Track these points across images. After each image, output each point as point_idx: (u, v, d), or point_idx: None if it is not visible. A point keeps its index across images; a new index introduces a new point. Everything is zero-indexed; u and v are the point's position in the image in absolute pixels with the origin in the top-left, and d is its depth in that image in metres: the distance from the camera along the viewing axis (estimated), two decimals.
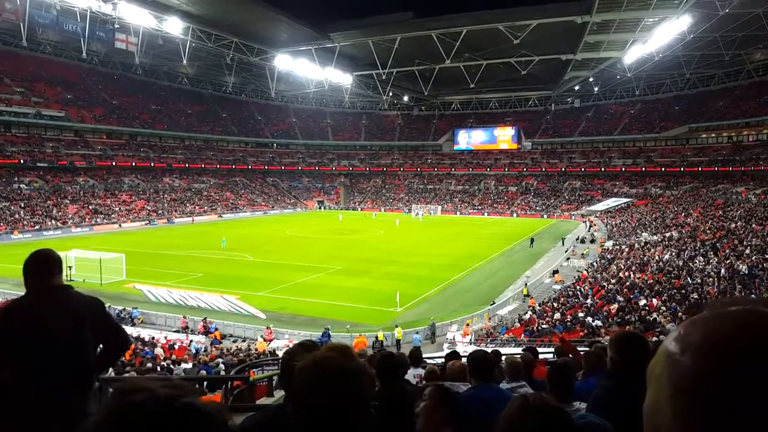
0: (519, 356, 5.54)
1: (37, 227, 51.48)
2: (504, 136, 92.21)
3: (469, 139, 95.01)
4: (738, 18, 44.25)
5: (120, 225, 58.23)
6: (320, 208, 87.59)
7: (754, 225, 34.35)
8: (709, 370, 0.59)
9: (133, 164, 72.80)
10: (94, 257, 31.98)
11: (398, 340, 21.04)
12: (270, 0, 53.25)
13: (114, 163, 70.39)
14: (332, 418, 1.24)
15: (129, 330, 22.34)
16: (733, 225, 36.11)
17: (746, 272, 22.67)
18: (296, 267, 35.18)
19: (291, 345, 2.88)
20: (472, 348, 17.05)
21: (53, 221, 53.85)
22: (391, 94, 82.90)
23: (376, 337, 21.04)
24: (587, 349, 6.32)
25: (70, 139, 68.76)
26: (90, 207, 60.02)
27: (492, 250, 43.63)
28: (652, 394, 0.67)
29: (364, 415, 1.27)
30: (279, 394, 8.08)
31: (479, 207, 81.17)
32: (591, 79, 74.20)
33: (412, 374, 6.20)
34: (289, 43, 61.64)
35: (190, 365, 15.15)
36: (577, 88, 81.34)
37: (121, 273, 31.73)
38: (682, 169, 71.98)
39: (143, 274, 32.60)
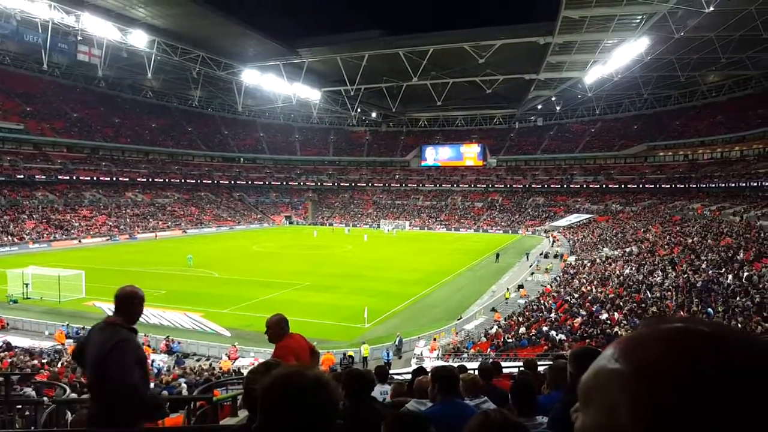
0: (474, 370, 5.59)
1: None
2: (470, 153, 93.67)
3: (436, 155, 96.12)
4: (692, 41, 46.19)
5: (80, 241, 56.51)
6: (288, 223, 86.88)
7: (709, 240, 35.59)
8: (638, 386, 0.59)
9: (95, 178, 70.97)
10: (53, 274, 30.97)
11: (365, 357, 20.92)
12: (238, 15, 53.19)
13: (75, 177, 68.44)
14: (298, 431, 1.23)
15: None
16: (690, 240, 37.32)
17: (701, 286, 23.41)
18: (263, 283, 34.76)
19: (256, 363, 2.88)
20: (439, 363, 17.11)
21: (9, 237, 51.96)
22: (359, 110, 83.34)
23: (344, 354, 20.90)
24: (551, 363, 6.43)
25: (29, 152, 66.69)
26: (49, 222, 58.19)
27: (459, 265, 43.99)
28: (597, 415, 0.65)
29: (331, 428, 1.28)
30: (243, 414, 7.96)
31: (446, 222, 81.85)
32: (553, 99, 76.13)
33: (379, 391, 6.20)
34: (256, 57, 61.49)
35: (152, 385, 14.74)
36: (540, 107, 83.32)
37: (81, 290, 30.77)
38: (640, 186, 74.14)
39: (104, 291, 31.60)
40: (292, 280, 36.11)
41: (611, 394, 0.62)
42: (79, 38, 49.13)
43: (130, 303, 3.39)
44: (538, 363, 9.02)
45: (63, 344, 22.33)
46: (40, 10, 43.17)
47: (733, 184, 58.61)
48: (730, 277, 24.29)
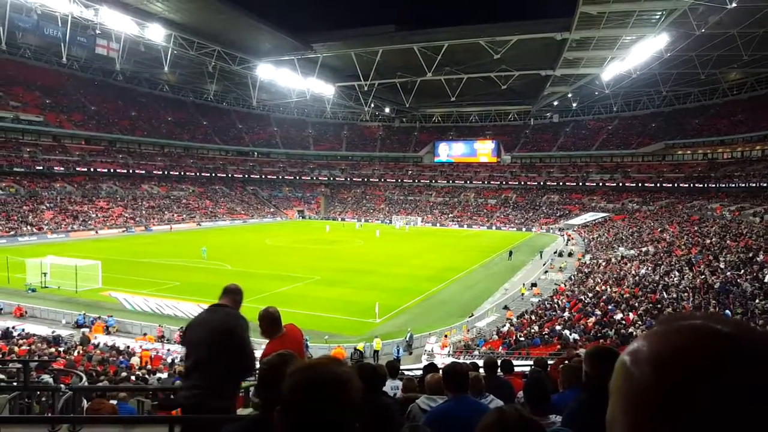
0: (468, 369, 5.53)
1: (12, 233, 50.44)
2: (484, 150, 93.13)
3: (450, 151, 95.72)
4: (714, 38, 45.40)
5: (97, 232, 57.27)
6: (300, 217, 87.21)
7: (728, 241, 35.07)
8: (656, 385, 0.60)
9: (112, 170, 71.82)
10: (70, 264, 31.45)
11: (376, 351, 20.96)
12: (253, 10, 53.33)
13: (92, 169, 69.33)
14: (321, 424, 1.23)
15: (104, 339, 21.98)
16: (708, 241, 36.81)
17: (719, 287, 23.09)
18: (275, 276, 34.94)
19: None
20: (450, 360, 17.08)
21: (29, 227, 52.79)
22: (372, 105, 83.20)
23: (355, 348, 20.95)
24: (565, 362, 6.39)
25: (48, 144, 67.63)
26: (67, 213, 58.98)
27: (471, 262, 43.85)
28: (610, 407, 0.68)
29: (353, 422, 1.28)
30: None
31: (459, 219, 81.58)
32: (570, 95, 75.37)
33: (390, 386, 6.20)
34: (271, 52, 61.60)
35: (165, 375, 14.91)
36: (556, 103, 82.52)
37: (97, 280, 31.19)
38: (658, 184, 73.26)
39: (119, 281, 32.09)
40: (304, 274, 36.26)
41: (630, 394, 0.63)
42: (98, 32, 49.55)
43: (235, 294, 3.90)
44: (550, 363, 8.96)
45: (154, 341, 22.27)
46: (60, 4, 43.58)
47: (754, 184, 57.68)
48: (748, 279, 23.93)
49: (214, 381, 3.45)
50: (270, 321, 4.31)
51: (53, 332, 21.76)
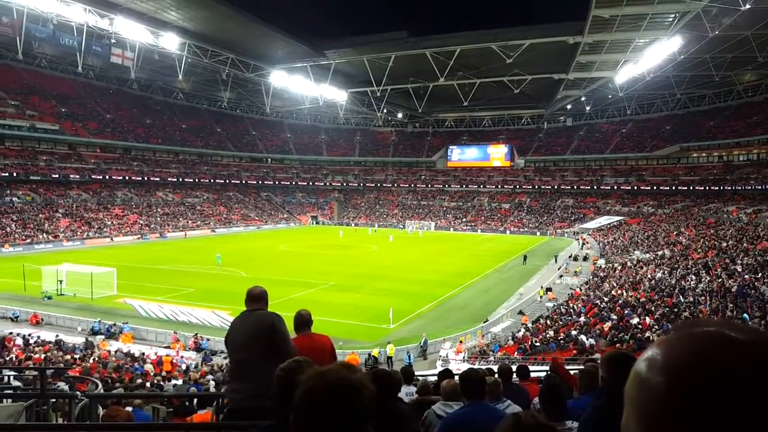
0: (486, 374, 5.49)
1: (28, 240, 51.14)
2: (497, 154, 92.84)
3: (463, 156, 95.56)
4: (727, 40, 44.95)
5: (112, 239, 57.88)
6: (314, 223, 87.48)
7: (745, 244, 34.58)
8: (670, 394, 0.59)
9: (127, 178, 72.61)
10: (85, 271, 31.78)
11: (390, 357, 20.89)
12: (266, 17, 53.74)
13: (107, 177, 70.15)
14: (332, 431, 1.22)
15: (117, 345, 22.15)
16: (725, 244, 36.33)
17: (736, 291, 22.76)
18: (289, 282, 35.02)
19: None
20: (465, 365, 16.99)
21: (45, 234, 53.49)
22: (385, 110, 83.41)
23: (369, 354, 20.90)
24: (581, 367, 6.32)
25: (64, 152, 68.58)
26: (82, 221, 59.70)
27: (485, 267, 43.65)
28: (625, 415, 0.68)
29: (366, 429, 1.27)
30: None
31: (472, 224, 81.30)
32: (583, 99, 74.94)
33: (405, 392, 6.17)
34: (284, 59, 62.03)
35: (180, 381, 14.99)
36: (569, 107, 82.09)
37: (112, 287, 31.49)
38: (673, 188, 72.53)
39: (134, 288, 32.37)
40: (318, 279, 36.32)
41: (644, 403, 0.63)
42: (113, 41, 50.27)
43: (265, 297, 4.18)
44: (567, 367, 8.86)
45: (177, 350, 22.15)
46: (76, 14, 44.30)
47: None
48: (766, 282, 23.55)
49: (256, 381, 3.49)
50: (300, 321, 4.56)
51: (56, 336, 21.96)
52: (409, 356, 21.34)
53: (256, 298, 4.11)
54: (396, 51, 58.31)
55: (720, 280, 25.69)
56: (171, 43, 51.94)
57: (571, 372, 7.31)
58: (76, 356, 18.33)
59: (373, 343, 22.76)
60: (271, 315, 3.94)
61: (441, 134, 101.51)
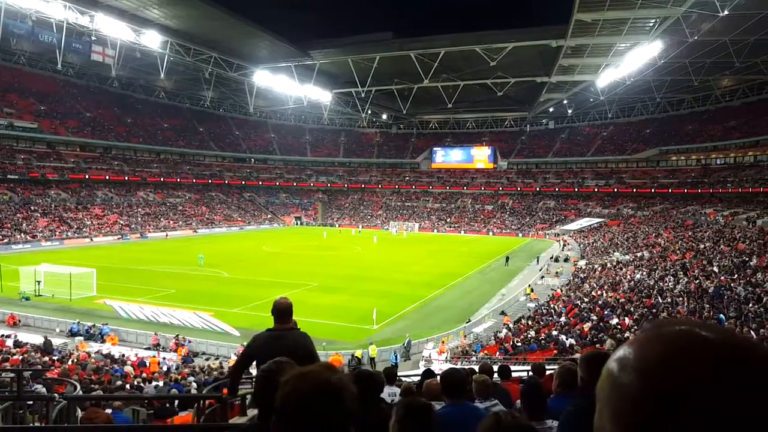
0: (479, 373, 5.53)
1: (5, 240, 50.18)
2: (480, 156, 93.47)
3: (447, 157, 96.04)
4: (706, 45, 45.79)
5: (92, 239, 57.05)
6: (298, 224, 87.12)
7: (722, 246, 35.21)
8: (643, 393, 0.60)
9: (107, 177, 71.58)
10: (64, 272, 31.27)
11: (372, 358, 20.89)
12: (250, 16, 53.47)
13: (87, 176, 69.08)
14: None
15: (98, 347, 21.85)
16: (702, 246, 36.95)
17: (713, 292, 23.17)
18: (272, 283, 34.84)
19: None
20: (447, 366, 17.05)
21: (23, 234, 52.54)
22: (370, 111, 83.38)
23: (352, 355, 20.88)
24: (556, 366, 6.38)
25: (43, 151, 67.48)
26: (61, 220, 58.76)
27: (468, 268, 43.86)
28: (597, 415, 0.68)
29: (347, 430, 1.28)
30: (252, 413, 7.95)
31: (456, 225, 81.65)
32: (565, 102, 75.74)
33: (387, 393, 6.18)
34: (268, 59, 61.74)
35: (161, 383, 14.83)
36: (551, 110, 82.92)
37: (92, 288, 31.03)
38: (653, 190, 73.58)
39: (114, 289, 31.94)
40: (302, 280, 36.18)
41: (618, 403, 0.63)
42: (93, 38, 49.57)
43: (292, 310, 4.08)
44: (547, 368, 8.95)
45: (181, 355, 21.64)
46: (55, 10, 43.62)
47: (747, 190, 58.02)
48: (742, 283, 24.01)
49: None
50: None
51: (45, 337, 21.58)
52: (396, 356, 21.36)
53: (286, 313, 3.96)
54: (381, 52, 58.39)
55: (697, 281, 26.13)
56: (153, 41, 51.37)
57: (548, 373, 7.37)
58: (55, 358, 18.04)
59: (357, 344, 22.74)
60: (307, 339, 3.88)
61: (425, 136, 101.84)
